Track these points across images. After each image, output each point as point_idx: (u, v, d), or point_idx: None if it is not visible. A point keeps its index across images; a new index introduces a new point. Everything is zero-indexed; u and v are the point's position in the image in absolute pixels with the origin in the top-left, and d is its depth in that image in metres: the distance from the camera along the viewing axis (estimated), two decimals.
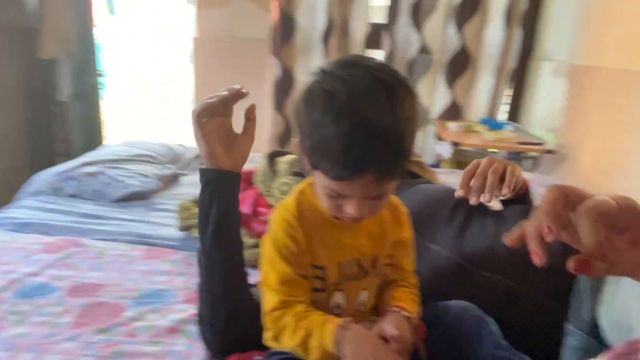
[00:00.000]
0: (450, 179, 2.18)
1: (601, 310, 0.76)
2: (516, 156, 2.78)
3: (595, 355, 0.71)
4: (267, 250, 0.79)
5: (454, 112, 2.92)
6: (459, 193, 1.06)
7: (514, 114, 3.02)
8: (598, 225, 0.46)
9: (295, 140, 0.78)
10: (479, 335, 0.78)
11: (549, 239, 0.48)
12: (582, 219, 0.47)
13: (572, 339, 0.75)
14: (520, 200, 1.11)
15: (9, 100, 2.82)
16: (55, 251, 1.33)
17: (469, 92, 2.93)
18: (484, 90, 2.88)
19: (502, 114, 3.04)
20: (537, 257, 0.49)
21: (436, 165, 2.87)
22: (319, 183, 0.72)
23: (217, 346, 0.92)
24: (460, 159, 2.69)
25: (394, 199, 0.85)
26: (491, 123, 2.74)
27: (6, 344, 0.96)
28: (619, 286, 0.73)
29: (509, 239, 0.53)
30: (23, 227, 1.50)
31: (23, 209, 1.63)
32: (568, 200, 0.49)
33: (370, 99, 0.64)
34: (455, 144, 2.52)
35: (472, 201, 1.03)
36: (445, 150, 2.79)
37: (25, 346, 0.96)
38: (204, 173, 0.88)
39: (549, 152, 2.45)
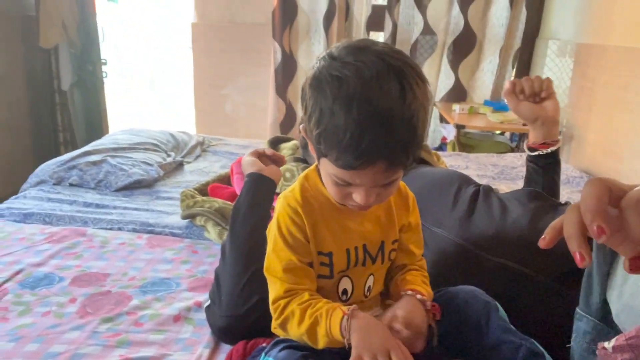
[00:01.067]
0: (456, 161, 2.17)
1: (612, 295, 0.75)
2: (521, 137, 2.75)
3: (605, 339, 0.70)
4: (272, 238, 0.78)
5: (458, 94, 2.89)
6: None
7: None
8: None
9: (300, 125, 0.75)
10: (486, 320, 0.77)
11: (602, 240, 0.43)
12: (633, 213, 0.43)
13: (582, 324, 0.74)
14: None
15: (11, 90, 2.81)
16: (59, 241, 1.33)
17: (474, 74, 2.89)
18: (488, 71, 2.85)
19: None
20: (583, 259, 0.44)
21: (440, 148, 2.85)
22: (326, 171, 0.70)
23: (229, 329, 0.93)
24: (464, 141, 2.67)
25: (402, 183, 0.84)
26: (496, 105, 2.71)
27: (12, 334, 0.96)
28: None
29: (543, 240, 0.49)
30: (27, 217, 1.49)
31: (27, 199, 1.62)
32: (612, 194, 0.45)
33: (381, 87, 0.62)
34: (460, 127, 2.49)
35: None
36: (449, 132, 2.76)
37: (31, 336, 0.96)
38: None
39: None
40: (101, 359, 0.90)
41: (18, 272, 1.17)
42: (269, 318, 0.79)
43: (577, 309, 0.76)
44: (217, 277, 0.98)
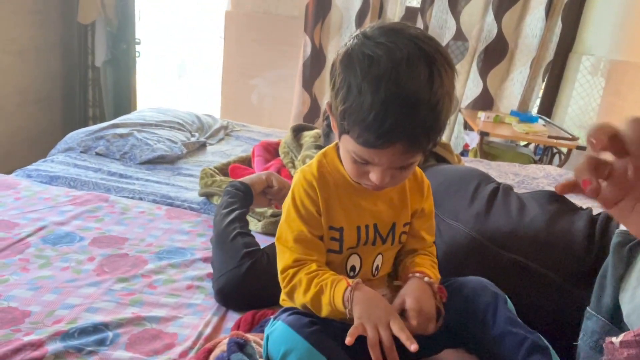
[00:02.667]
0: (477, 167, 2.16)
1: (625, 296, 0.75)
2: (545, 151, 2.72)
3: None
4: (286, 209, 0.80)
5: (485, 102, 2.88)
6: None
7: (547, 109, 2.95)
8: None
9: (326, 102, 0.77)
10: (494, 311, 0.77)
11: (590, 188, 0.43)
12: None
13: (592, 323, 0.74)
14: None
15: (47, 63, 2.89)
16: (82, 204, 1.37)
17: (503, 83, 2.87)
18: (517, 81, 2.82)
19: (534, 108, 2.97)
20: (588, 183, 0.43)
21: (462, 154, 2.83)
22: (346, 148, 0.71)
23: (225, 288, 0.98)
24: (487, 150, 2.65)
25: (418, 169, 0.85)
26: (522, 115, 2.69)
27: (31, 284, 1.00)
28: None
29: (559, 185, 0.46)
30: (53, 179, 1.54)
31: (54, 163, 1.67)
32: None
33: (411, 70, 0.63)
34: (484, 134, 2.48)
35: None
36: (472, 139, 2.75)
37: (49, 287, 0.99)
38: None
39: (580, 148, 2.39)
40: (114, 314, 0.92)
41: (41, 229, 1.21)
42: (262, 276, 0.86)
43: (588, 308, 0.76)
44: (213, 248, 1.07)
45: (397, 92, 0.62)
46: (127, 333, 0.88)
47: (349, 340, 0.66)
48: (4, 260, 1.07)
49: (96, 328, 0.88)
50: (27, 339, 0.83)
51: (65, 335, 0.85)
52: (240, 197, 1.15)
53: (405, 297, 0.74)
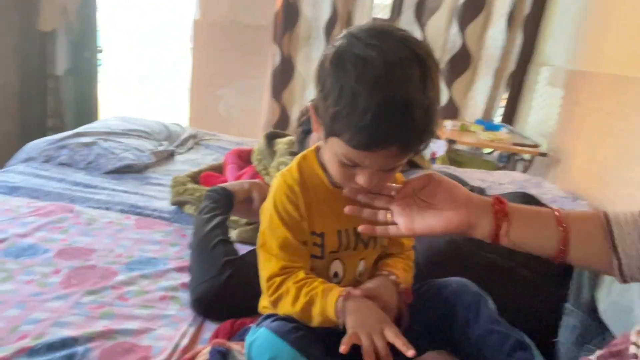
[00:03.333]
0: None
1: (601, 292, 0.77)
2: (509, 158, 2.81)
3: (592, 334, 0.71)
4: (268, 215, 0.78)
5: (450, 111, 2.94)
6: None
7: (509, 117, 3.04)
8: None
9: (309, 103, 0.75)
10: (476, 310, 0.77)
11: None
12: None
13: (571, 318, 0.76)
14: None
15: (4, 71, 2.77)
16: (45, 215, 1.30)
17: (467, 93, 2.94)
18: (482, 91, 2.90)
19: (497, 117, 3.06)
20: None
21: (431, 162, 2.88)
22: (334, 150, 0.69)
23: (203, 297, 0.96)
24: (454, 157, 2.71)
25: (398, 174, 0.85)
26: (487, 124, 2.76)
27: None
28: None
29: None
30: (13, 190, 1.47)
31: (14, 173, 1.59)
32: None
33: (405, 73, 0.62)
34: (451, 142, 2.53)
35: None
36: (440, 147, 2.80)
37: (12, 302, 0.93)
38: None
39: (542, 154, 2.47)
40: (84, 328, 0.88)
41: (1, 241, 1.15)
42: (241, 286, 0.86)
43: (567, 304, 0.78)
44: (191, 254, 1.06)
45: (392, 95, 0.61)
46: (98, 347, 0.84)
47: (343, 348, 0.64)
48: None
49: (65, 343, 0.83)
50: None
51: (31, 351, 0.80)
52: (222, 203, 1.12)
53: (360, 287, 0.74)
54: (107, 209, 1.42)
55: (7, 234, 1.18)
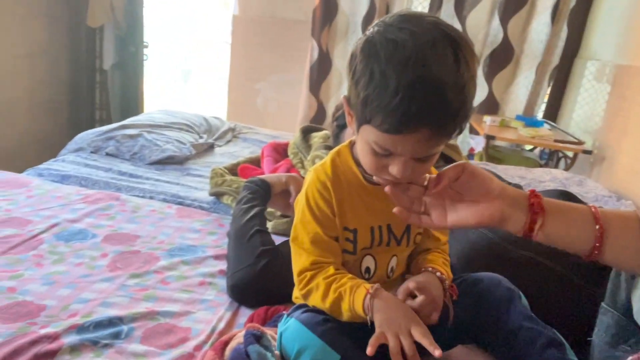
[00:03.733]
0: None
1: (635, 294, 0.75)
2: (551, 155, 2.73)
3: (628, 334, 0.70)
4: (300, 209, 0.79)
5: (490, 106, 2.88)
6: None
7: (552, 113, 2.95)
8: None
9: (342, 96, 0.75)
10: (509, 306, 0.77)
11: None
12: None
13: (607, 318, 0.75)
14: None
15: (54, 66, 2.91)
16: (93, 202, 1.38)
17: (508, 88, 2.88)
18: (523, 86, 2.83)
19: (539, 113, 2.97)
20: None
21: (468, 158, 2.84)
22: (366, 139, 0.68)
23: (240, 284, 1.00)
24: (492, 154, 2.66)
25: (433, 170, 0.85)
26: (528, 120, 2.69)
27: (46, 279, 1.01)
28: None
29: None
30: (64, 178, 1.56)
31: (65, 162, 1.69)
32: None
33: (437, 53, 0.60)
34: (490, 138, 2.48)
35: None
36: (477, 143, 2.76)
37: (63, 282, 1.00)
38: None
39: (586, 152, 2.39)
40: (128, 308, 0.93)
41: (54, 225, 1.23)
42: (276, 275, 0.88)
43: (603, 304, 0.76)
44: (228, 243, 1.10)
45: (423, 75, 0.59)
46: (141, 327, 0.89)
47: (370, 350, 0.65)
48: (18, 256, 1.08)
49: (111, 322, 0.88)
50: (43, 331, 0.84)
51: (80, 328, 0.86)
52: (260, 194, 1.15)
53: (412, 280, 0.74)
54: (150, 198, 1.48)
55: (58, 219, 1.26)
